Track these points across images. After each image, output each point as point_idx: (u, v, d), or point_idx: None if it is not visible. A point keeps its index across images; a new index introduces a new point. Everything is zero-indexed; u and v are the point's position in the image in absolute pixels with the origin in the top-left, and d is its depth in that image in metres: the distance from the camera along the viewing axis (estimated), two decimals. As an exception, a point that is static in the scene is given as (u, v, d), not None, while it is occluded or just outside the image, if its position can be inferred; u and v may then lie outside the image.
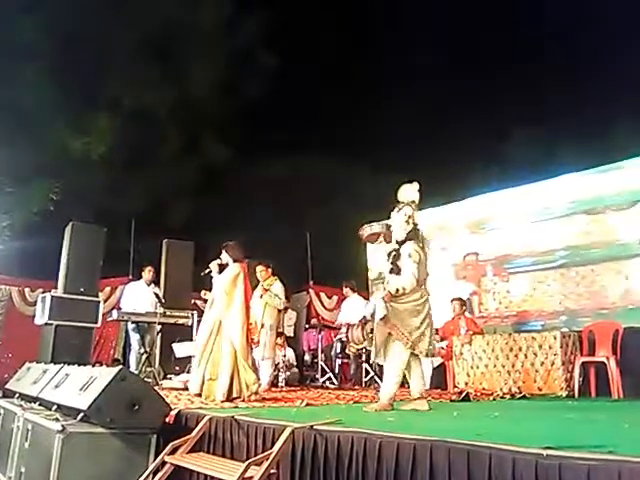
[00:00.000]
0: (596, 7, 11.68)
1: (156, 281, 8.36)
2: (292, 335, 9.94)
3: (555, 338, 6.26)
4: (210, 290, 5.62)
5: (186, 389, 6.08)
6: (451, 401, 5.36)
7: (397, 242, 4.58)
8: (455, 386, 6.84)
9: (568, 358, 6.23)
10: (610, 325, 6.43)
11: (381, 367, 7.93)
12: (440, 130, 13.08)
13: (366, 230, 5.05)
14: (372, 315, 8.09)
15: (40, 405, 4.28)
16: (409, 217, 4.59)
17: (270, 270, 7.22)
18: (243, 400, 4.96)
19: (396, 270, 4.44)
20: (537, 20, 12.99)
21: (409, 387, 4.68)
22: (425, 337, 4.42)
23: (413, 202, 4.68)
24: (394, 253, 4.52)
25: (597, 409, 4.70)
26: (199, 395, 5.08)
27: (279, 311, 7.22)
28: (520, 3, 12.75)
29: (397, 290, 4.35)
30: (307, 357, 9.67)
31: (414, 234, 4.58)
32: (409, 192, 4.72)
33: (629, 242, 6.89)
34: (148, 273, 8.08)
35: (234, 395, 5.02)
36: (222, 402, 4.84)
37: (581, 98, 11.83)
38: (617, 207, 7.06)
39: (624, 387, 5.91)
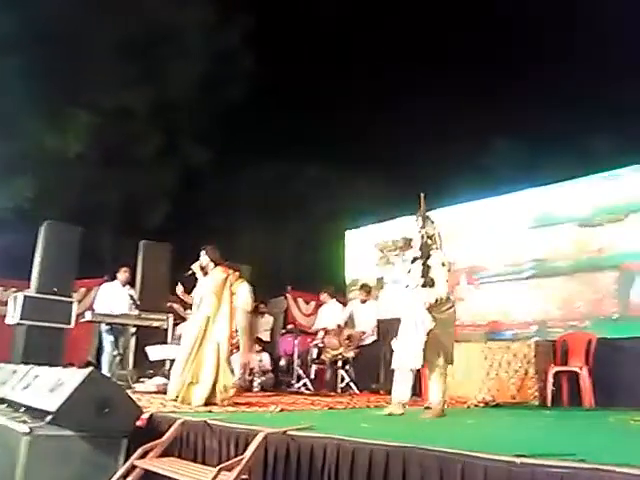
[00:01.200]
0: (581, 11, 11.87)
1: (131, 282, 8.25)
2: (268, 340, 9.86)
3: (529, 347, 6.32)
4: (190, 292, 5.56)
5: (162, 392, 6.01)
6: (425, 408, 5.36)
7: (421, 255, 4.59)
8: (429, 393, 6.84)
9: (542, 367, 6.29)
10: (583, 335, 6.51)
11: (357, 374, 7.98)
12: (419, 140, 13.15)
13: (389, 245, 5.08)
14: (346, 322, 8.14)
15: (8, 406, 4.18)
16: (420, 228, 4.66)
17: (237, 273, 7.18)
18: (216, 404, 4.91)
19: (430, 282, 4.46)
20: (519, 26, 13.14)
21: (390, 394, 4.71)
22: (453, 345, 4.59)
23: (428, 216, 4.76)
24: (422, 267, 4.51)
25: (569, 418, 4.75)
26: (175, 399, 4.99)
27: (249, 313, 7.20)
28: (508, 9, 12.85)
29: (436, 300, 4.39)
30: (283, 362, 9.60)
31: (436, 245, 4.64)
32: (420, 203, 4.76)
33: (598, 254, 7.01)
34: (123, 274, 7.96)
35: (214, 400, 4.97)
36: (198, 406, 4.78)
37: (554, 113, 12.03)
38: (585, 221, 7.18)
39: (596, 397, 5.99)
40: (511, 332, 7.54)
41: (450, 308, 4.55)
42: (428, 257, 4.52)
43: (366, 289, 8.50)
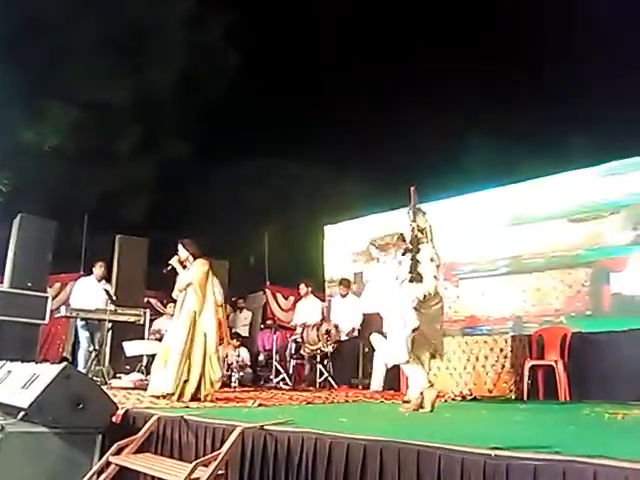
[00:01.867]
0: (562, 8, 11.98)
1: (107, 277, 8.14)
2: (247, 335, 9.84)
3: (506, 342, 6.39)
4: (172, 288, 5.49)
5: (139, 388, 5.94)
6: (404, 402, 5.38)
7: (409, 249, 4.50)
8: (408, 387, 6.88)
9: (518, 361, 6.36)
10: (559, 330, 6.61)
11: (335, 369, 7.99)
12: (396, 135, 13.18)
13: (377, 242, 4.93)
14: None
15: (-20, 403, 4.10)
16: (412, 221, 4.54)
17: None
18: (199, 400, 4.88)
19: (417, 278, 4.38)
20: (502, 21, 13.20)
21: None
22: (443, 341, 4.59)
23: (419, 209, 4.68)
24: (411, 262, 4.43)
25: (545, 411, 4.80)
26: (172, 395, 4.90)
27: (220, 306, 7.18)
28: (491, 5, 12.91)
29: (425, 296, 4.35)
30: (261, 357, 9.61)
31: (427, 239, 4.55)
32: (410, 197, 4.66)
33: (572, 251, 7.12)
34: (99, 269, 7.86)
35: (198, 395, 4.94)
36: (185, 402, 4.75)
37: (532, 110, 12.14)
38: (562, 217, 7.29)
39: (571, 390, 6.07)
40: (487, 327, 7.63)
41: (437, 304, 4.51)
42: (418, 251, 4.45)
43: (345, 283, 8.50)
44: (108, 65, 12.08)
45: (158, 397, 4.92)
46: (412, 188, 4.67)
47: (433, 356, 4.56)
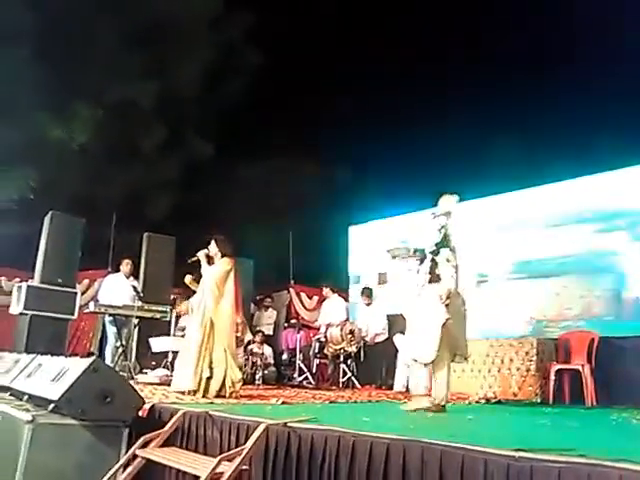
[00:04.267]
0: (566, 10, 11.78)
1: (135, 274, 8.27)
2: (271, 334, 9.90)
3: (532, 345, 6.33)
4: (198, 281, 5.53)
5: (165, 384, 6.02)
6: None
7: (430, 252, 4.60)
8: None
9: (544, 365, 6.30)
10: (586, 334, 6.52)
11: (358, 368, 8.00)
12: (423, 138, 13.10)
13: (394, 251, 5.02)
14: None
15: (11, 395, 4.20)
16: (442, 227, 4.62)
17: None
18: (225, 397, 4.93)
19: (435, 279, 4.47)
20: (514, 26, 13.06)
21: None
22: (467, 342, 4.58)
23: (448, 213, 4.70)
24: (430, 263, 4.53)
25: (570, 415, 4.74)
26: (196, 391, 4.96)
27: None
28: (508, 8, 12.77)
29: (448, 295, 4.36)
30: (285, 356, 9.66)
31: (447, 243, 4.60)
32: (445, 203, 4.73)
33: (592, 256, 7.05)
34: (126, 266, 8.00)
35: (223, 393, 4.99)
36: (214, 397, 4.81)
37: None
38: (589, 222, 7.22)
39: (597, 395, 5.99)
40: (510, 330, 7.55)
41: (462, 305, 4.54)
42: (437, 253, 4.53)
43: (367, 293, 8.55)
44: (134, 64, 12.23)
45: (183, 393, 4.99)
46: (448, 194, 4.74)
47: (454, 357, 4.53)
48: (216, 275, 5.29)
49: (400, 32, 14.13)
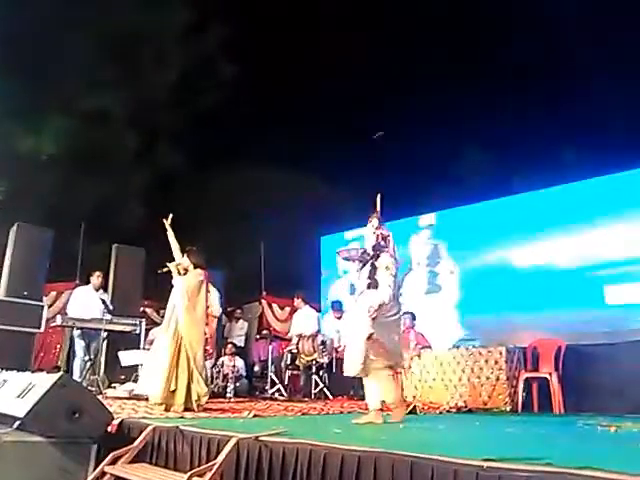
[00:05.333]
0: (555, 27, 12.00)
1: (104, 287, 8.15)
2: (242, 345, 9.84)
3: (501, 353, 6.41)
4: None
5: (134, 398, 5.93)
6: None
7: (370, 255, 4.45)
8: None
9: (513, 373, 6.38)
10: (553, 342, 6.63)
11: (331, 379, 8.00)
12: (394, 148, 13.21)
13: (343, 252, 4.90)
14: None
15: (-26, 412, 4.10)
16: (375, 228, 4.53)
17: None
18: (191, 409, 4.87)
19: (374, 284, 4.31)
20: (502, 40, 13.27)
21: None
22: (402, 353, 4.50)
23: (377, 212, 4.64)
24: (370, 268, 4.38)
25: (538, 423, 4.82)
26: (161, 404, 4.89)
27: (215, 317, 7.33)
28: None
29: (380, 305, 4.21)
30: (257, 368, 9.61)
31: (385, 246, 4.48)
32: (376, 204, 4.68)
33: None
34: (97, 278, 7.87)
35: (192, 403, 4.93)
36: (177, 412, 4.75)
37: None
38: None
39: (565, 402, 6.09)
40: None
41: (395, 314, 4.39)
42: (377, 258, 4.39)
43: (336, 307, 8.62)
44: (104, 73, 12.14)
45: (147, 399, 4.93)
46: (379, 196, 4.68)
47: (391, 368, 4.36)
48: (187, 286, 5.25)
49: (370, 47, 14.23)
